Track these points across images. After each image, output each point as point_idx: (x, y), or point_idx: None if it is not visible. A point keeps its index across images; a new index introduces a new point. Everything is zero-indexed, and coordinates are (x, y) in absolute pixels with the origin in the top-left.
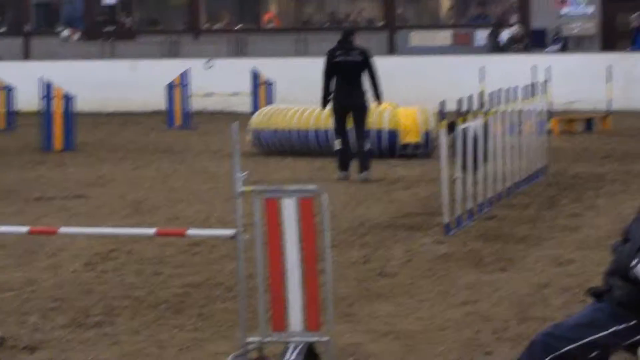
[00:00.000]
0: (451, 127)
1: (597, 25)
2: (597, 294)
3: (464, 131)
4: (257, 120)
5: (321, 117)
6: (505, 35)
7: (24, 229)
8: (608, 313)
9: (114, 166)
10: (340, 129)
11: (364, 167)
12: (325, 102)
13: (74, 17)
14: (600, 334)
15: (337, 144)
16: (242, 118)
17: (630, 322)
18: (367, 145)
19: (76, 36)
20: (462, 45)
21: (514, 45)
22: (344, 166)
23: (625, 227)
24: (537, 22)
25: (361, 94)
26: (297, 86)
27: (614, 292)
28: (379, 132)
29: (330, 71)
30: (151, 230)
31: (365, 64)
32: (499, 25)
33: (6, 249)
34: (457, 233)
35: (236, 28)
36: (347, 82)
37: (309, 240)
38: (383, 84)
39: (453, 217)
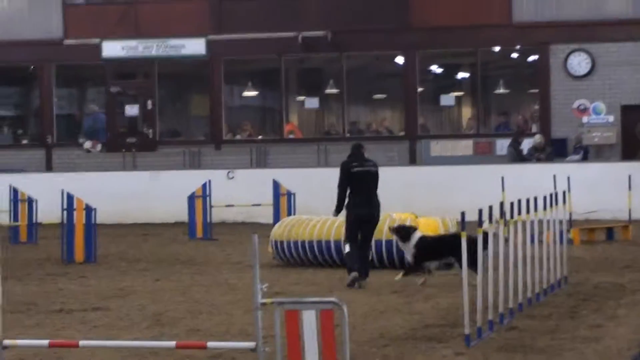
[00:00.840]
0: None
1: (617, 133)
2: None
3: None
4: (278, 231)
5: (342, 228)
6: (526, 144)
7: (44, 342)
8: None
9: (134, 278)
10: (352, 237)
11: (363, 273)
12: (339, 210)
13: (96, 129)
14: None
15: (347, 247)
16: (264, 229)
17: None
18: (369, 254)
19: (98, 147)
20: (484, 155)
21: (536, 155)
22: (353, 268)
23: None
24: (558, 131)
25: (377, 205)
26: (319, 196)
27: None
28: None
29: (347, 181)
30: (172, 343)
31: (377, 175)
32: (520, 135)
33: None
34: (477, 344)
35: (257, 138)
36: (364, 193)
37: (330, 352)
38: (404, 194)
39: (474, 328)
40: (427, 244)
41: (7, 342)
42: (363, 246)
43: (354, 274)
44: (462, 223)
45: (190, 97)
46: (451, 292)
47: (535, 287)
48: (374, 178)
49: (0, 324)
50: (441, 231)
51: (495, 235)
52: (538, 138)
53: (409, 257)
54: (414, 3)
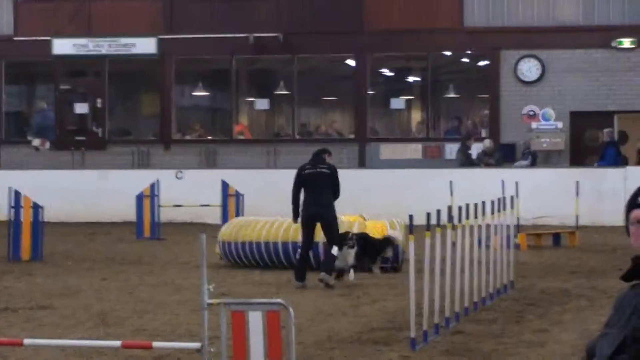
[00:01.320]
0: None
1: (566, 140)
2: None
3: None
4: (226, 232)
5: (290, 230)
6: (475, 149)
7: None
8: None
9: (81, 277)
10: (304, 239)
11: (325, 269)
12: (296, 214)
13: (45, 126)
14: None
15: (297, 254)
16: (212, 229)
17: None
18: (334, 250)
19: (47, 145)
20: (433, 159)
21: (485, 159)
22: (300, 277)
23: (589, 343)
24: (507, 137)
25: (327, 204)
26: (267, 198)
27: None
28: None
29: (299, 184)
30: (117, 343)
31: (331, 177)
32: (469, 139)
33: None
34: (423, 348)
35: (207, 139)
36: (314, 194)
37: (275, 353)
38: (353, 196)
39: (420, 332)
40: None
41: None
42: (329, 243)
43: (300, 283)
44: (410, 226)
45: (141, 96)
46: (398, 296)
47: (481, 292)
48: (324, 179)
49: None
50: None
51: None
52: (487, 143)
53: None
54: (366, 6)
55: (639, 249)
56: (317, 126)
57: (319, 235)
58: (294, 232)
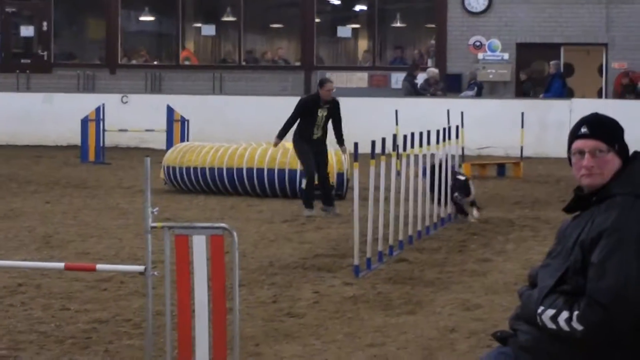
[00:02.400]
0: None
1: (512, 71)
2: (502, 338)
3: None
4: (170, 157)
5: (235, 156)
6: (421, 79)
7: None
8: (512, 357)
9: (25, 199)
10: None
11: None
12: (282, 135)
13: None
14: None
15: (302, 183)
16: (157, 154)
17: None
18: (304, 183)
19: None
20: (379, 88)
21: (430, 89)
22: (309, 204)
23: (531, 271)
24: (453, 67)
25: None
26: (213, 124)
27: (519, 337)
28: (292, 172)
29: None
30: (60, 265)
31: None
32: (415, 69)
33: None
34: (366, 275)
35: (153, 64)
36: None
37: (218, 278)
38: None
39: (363, 260)
40: None
41: None
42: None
43: (309, 211)
44: (355, 154)
45: (87, 20)
46: (342, 224)
47: (425, 221)
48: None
49: None
50: (333, 162)
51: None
52: (431, 72)
53: None
54: None
55: (580, 180)
56: (264, 53)
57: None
58: (239, 158)
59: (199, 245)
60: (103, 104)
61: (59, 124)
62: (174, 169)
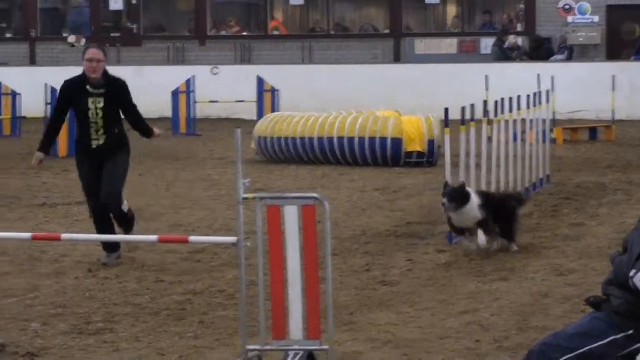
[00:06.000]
0: None
1: (602, 33)
2: (596, 304)
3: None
4: (261, 127)
5: (325, 125)
6: (510, 43)
7: (26, 235)
8: (606, 322)
9: None
10: None
11: None
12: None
13: (80, 23)
14: (598, 343)
15: None
16: (247, 125)
17: (627, 331)
18: None
19: (82, 42)
20: (468, 53)
21: (518, 54)
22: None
23: (625, 236)
24: (542, 30)
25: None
26: (302, 93)
27: (612, 302)
28: (383, 140)
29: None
30: (153, 237)
31: None
32: (504, 33)
33: (9, 255)
34: (460, 242)
35: (242, 34)
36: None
37: (311, 247)
38: (388, 92)
39: None
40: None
41: None
42: None
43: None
44: (446, 120)
45: None
46: (434, 190)
47: (517, 186)
48: None
49: None
50: (424, 129)
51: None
52: (510, 38)
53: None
54: None
55: None
56: (352, 21)
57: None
58: (329, 127)
59: (291, 215)
60: (193, 76)
61: (149, 96)
62: (265, 139)
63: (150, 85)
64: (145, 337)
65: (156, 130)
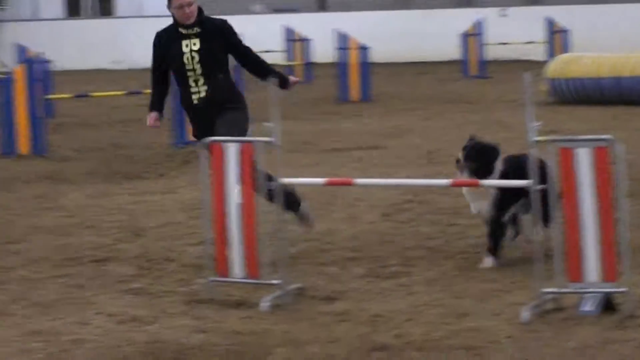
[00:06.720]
0: None
1: None
2: None
3: None
4: (552, 68)
5: (618, 65)
6: None
7: (321, 180)
8: None
9: (408, 116)
10: None
11: None
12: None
13: None
14: None
15: None
16: (537, 66)
17: None
18: None
19: None
20: None
21: None
22: None
23: None
24: None
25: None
26: (596, 33)
27: None
28: None
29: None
30: (446, 182)
31: None
32: None
33: (304, 200)
34: None
35: None
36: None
37: (605, 189)
38: None
39: None
40: None
41: (285, 180)
42: None
43: None
44: None
45: None
46: None
47: None
48: None
49: (279, 163)
50: None
51: None
52: None
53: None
54: None
55: None
56: None
57: None
58: (621, 67)
59: (584, 157)
60: (483, 17)
61: (438, 39)
62: (556, 80)
63: (439, 28)
64: (440, 281)
65: (292, 78)
